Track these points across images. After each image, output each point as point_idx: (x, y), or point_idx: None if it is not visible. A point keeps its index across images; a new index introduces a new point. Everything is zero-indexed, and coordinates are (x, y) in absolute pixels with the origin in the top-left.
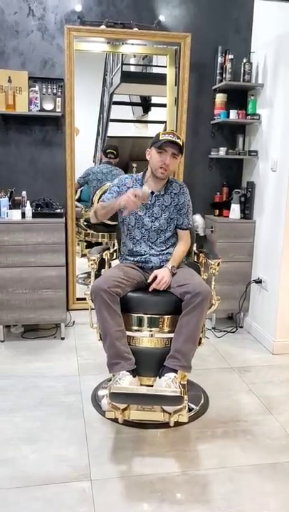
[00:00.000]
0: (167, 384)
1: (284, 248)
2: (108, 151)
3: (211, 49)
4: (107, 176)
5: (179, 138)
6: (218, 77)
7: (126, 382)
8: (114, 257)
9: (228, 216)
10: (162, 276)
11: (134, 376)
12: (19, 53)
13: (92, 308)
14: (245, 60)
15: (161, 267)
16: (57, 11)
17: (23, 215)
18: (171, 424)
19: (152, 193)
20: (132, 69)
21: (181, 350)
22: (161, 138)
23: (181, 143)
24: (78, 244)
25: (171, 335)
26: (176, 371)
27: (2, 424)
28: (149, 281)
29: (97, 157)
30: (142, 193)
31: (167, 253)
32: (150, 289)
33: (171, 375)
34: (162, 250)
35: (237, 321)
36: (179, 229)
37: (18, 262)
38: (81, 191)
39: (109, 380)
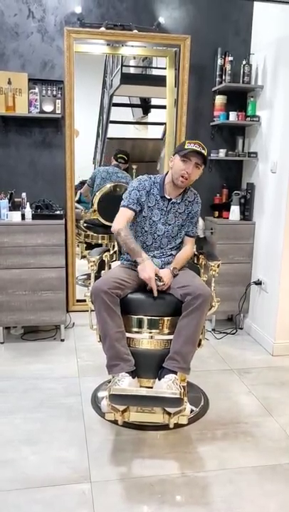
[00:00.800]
0: (168, 386)
1: (284, 249)
2: (119, 155)
3: (210, 51)
4: (112, 177)
5: (204, 149)
6: (217, 79)
7: (125, 383)
8: (114, 258)
9: (227, 218)
10: (162, 276)
11: (133, 377)
12: (19, 55)
13: (91, 310)
14: (244, 62)
15: (162, 267)
16: (57, 12)
17: (23, 216)
18: (171, 426)
19: (169, 199)
20: (132, 71)
21: (181, 351)
22: (186, 147)
23: (205, 153)
24: (78, 245)
25: (171, 336)
26: (175, 373)
27: (2, 425)
28: None
29: (97, 159)
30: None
31: (170, 255)
32: (148, 288)
33: (172, 376)
34: (167, 252)
35: (237, 322)
36: (185, 235)
37: (17, 263)
38: (81, 193)
39: (109, 381)
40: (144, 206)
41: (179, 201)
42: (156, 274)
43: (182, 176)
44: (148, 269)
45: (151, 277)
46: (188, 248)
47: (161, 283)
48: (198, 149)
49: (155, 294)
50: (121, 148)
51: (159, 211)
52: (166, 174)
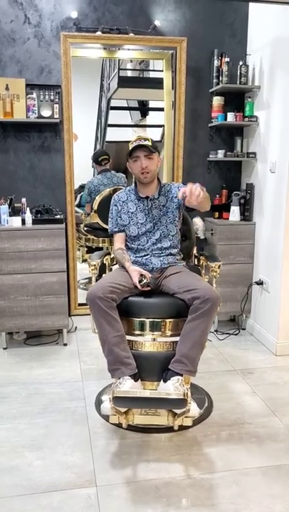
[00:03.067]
0: (176, 387)
1: (284, 249)
2: (101, 158)
3: (207, 52)
4: (110, 185)
5: (146, 139)
6: (214, 80)
7: (126, 386)
8: (115, 262)
9: (228, 218)
10: (192, 187)
11: (135, 380)
12: (16, 61)
13: None
14: (241, 63)
15: (162, 269)
16: (53, 18)
17: (23, 221)
18: (176, 428)
19: (147, 197)
20: (129, 74)
21: (188, 355)
22: (129, 148)
23: (149, 142)
24: (79, 249)
25: (174, 338)
26: (181, 374)
27: (6, 431)
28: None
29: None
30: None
31: (169, 254)
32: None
33: (178, 378)
34: (165, 250)
35: (239, 323)
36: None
37: (19, 268)
38: (81, 197)
39: (111, 385)
40: (127, 216)
41: (156, 196)
42: (140, 274)
43: (142, 173)
44: (132, 275)
45: (135, 282)
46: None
47: (145, 280)
48: (139, 143)
49: (140, 287)
50: (120, 152)
51: (142, 212)
52: (136, 181)
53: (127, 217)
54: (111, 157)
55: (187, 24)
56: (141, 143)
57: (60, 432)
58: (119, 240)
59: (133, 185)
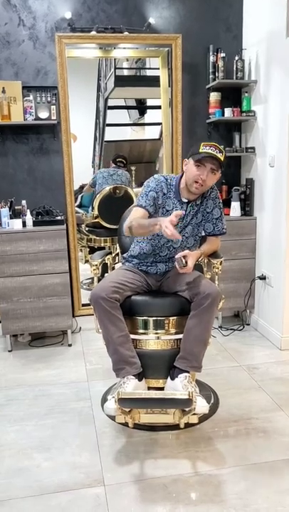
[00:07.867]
0: (184, 384)
1: (287, 242)
2: (118, 159)
3: (202, 48)
4: (113, 176)
5: (221, 152)
6: (211, 76)
7: (130, 387)
8: (117, 260)
9: (228, 214)
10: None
11: (140, 380)
12: (12, 63)
13: None
14: (237, 58)
15: (166, 272)
16: (47, 19)
17: (24, 224)
18: (182, 426)
19: (188, 202)
20: (125, 73)
21: (192, 351)
22: (201, 150)
23: (222, 156)
24: (81, 250)
25: (178, 336)
26: (187, 371)
27: (14, 433)
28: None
29: (96, 162)
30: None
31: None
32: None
33: (186, 374)
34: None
35: (243, 318)
36: (211, 236)
37: (21, 270)
38: (81, 197)
39: (114, 385)
40: (158, 209)
41: (198, 202)
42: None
43: (196, 182)
44: (164, 225)
45: (167, 226)
46: (214, 245)
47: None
48: (214, 153)
49: (175, 235)
50: (119, 151)
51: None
52: (181, 177)
53: (160, 214)
54: (109, 157)
55: (181, 21)
56: (216, 153)
57: (67, 433)
58: (138, 215)
59: (175, 182)
